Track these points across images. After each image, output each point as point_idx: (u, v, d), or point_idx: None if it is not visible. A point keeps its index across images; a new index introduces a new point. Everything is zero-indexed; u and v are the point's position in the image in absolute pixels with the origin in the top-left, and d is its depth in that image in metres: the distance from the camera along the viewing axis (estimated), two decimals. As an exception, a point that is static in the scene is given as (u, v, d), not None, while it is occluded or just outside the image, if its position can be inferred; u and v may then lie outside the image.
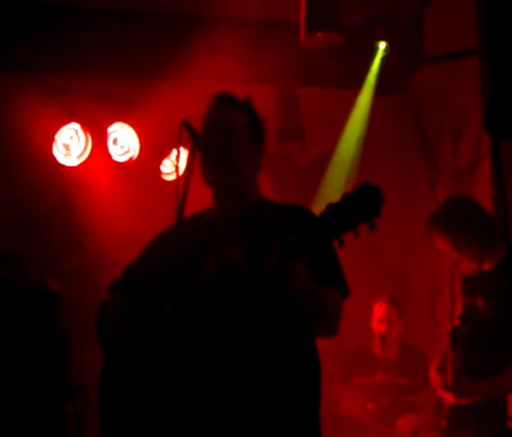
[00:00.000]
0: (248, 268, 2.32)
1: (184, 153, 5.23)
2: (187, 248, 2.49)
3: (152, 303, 2.54)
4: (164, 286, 2.44)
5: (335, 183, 5.80)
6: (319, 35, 4.76)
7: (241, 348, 2.37)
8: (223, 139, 2.58)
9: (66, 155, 5.58)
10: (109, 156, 5.68)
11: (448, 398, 3.62)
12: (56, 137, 5.53)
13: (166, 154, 5.78)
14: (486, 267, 3.66)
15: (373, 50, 5.37)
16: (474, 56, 2.37)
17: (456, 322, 3.59)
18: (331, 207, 2.02)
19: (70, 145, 5.57)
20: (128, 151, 5.72)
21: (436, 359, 3.82)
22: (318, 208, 2.14)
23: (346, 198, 2.00)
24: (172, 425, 2.32)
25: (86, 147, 5.60)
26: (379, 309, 5.25)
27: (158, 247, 2.71)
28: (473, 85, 2.46)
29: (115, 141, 5.70)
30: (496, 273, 3.59)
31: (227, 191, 2.64)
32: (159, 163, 5.81)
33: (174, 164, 5.69)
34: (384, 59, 5.38)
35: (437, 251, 3.85)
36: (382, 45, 5.32)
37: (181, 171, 2.64)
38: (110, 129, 5.68)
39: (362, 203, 1.97)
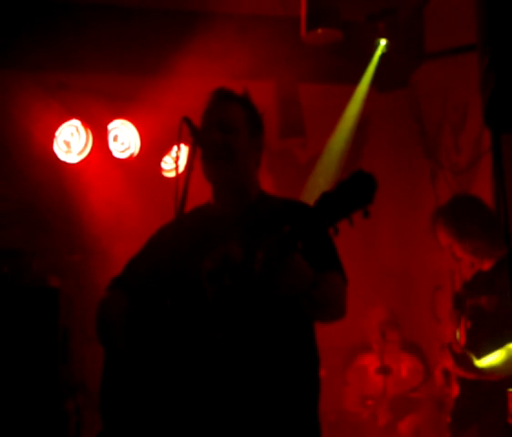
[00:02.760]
0: (246, 263, 2.32)
1: (185, 149, 5.24)
2: (187, 244, 2.48)
3: (152, 299, 2.55)
4: (164, 281, 2.44)
5: (325, 175, 5.80)
6: (319, 31, 4.76)
7: (240, 343, 2.38)
8: (223, 135, 2.58)
9: (66, 152, 5.58)
10: (110, 152, 5.68)
11: (455, 368, 3.62)
12: (57, 133, 5.53)
13: (166, 150, 5.78)
14: (486, 266, 3.69)
15: (374, 46, 5.36)
16: (475, 52, 2.37)
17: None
18: (324, 195, 2.01)
19: (71, 142, 5.57)
20: (128, 148, 5.73)
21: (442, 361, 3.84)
22: (308, 200, 2.13)
23: (340, 185, 2.00)
24: (172, 420, 2.33)
25: (86, 144, 5.60)
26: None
27: (158, 242, 2.72)
28: (474, 81, 2.46)
29: (115, 138, 5.70)
30: (495, 271, 3.63)
31: (228, 186, 2.64)
32: (160, 160, 5.81)
33: (174, 160, 5.69)
34: (384, 56, 5.37)
35: (440, 246, 3.85)
36: (383, 42, 5.32)
37: (182, 168, 2.63)
38: (111, 126, 5.68)
39: (355, 190, 1.96)
